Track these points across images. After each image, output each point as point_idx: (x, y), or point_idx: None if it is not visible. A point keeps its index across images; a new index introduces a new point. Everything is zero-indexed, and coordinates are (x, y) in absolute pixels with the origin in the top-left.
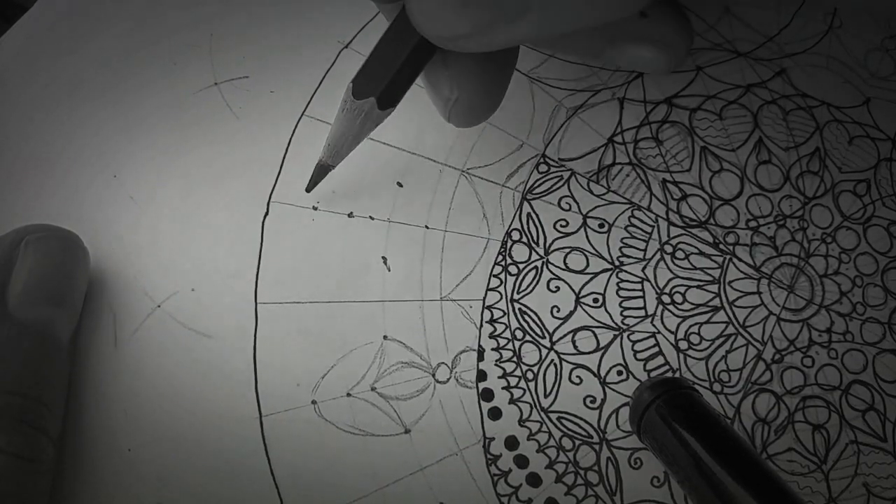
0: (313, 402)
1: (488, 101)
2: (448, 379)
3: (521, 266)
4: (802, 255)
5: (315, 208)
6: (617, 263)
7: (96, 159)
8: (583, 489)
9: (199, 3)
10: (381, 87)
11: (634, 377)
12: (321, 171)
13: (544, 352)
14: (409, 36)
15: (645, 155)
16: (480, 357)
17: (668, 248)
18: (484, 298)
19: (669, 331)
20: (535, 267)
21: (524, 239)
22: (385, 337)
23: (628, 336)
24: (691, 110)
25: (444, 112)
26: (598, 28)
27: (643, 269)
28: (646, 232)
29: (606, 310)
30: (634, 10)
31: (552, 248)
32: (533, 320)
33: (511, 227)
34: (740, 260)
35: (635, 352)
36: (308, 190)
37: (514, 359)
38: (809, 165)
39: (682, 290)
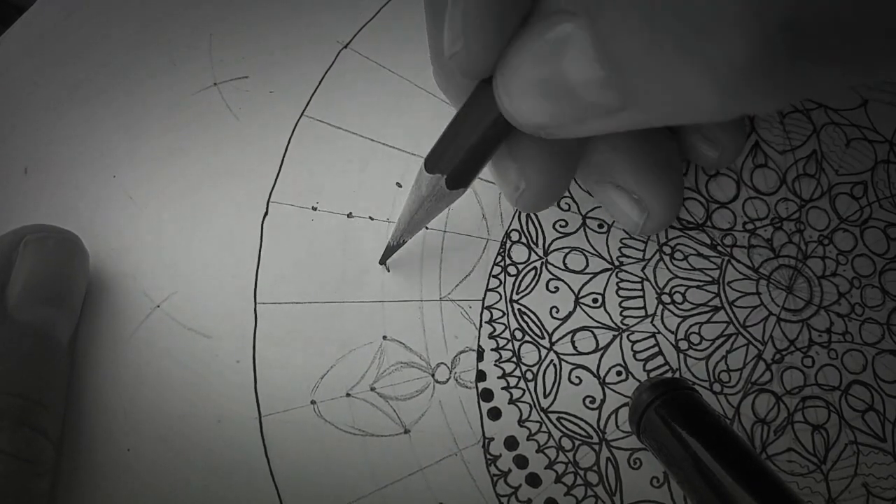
0: (313, 403)
1: (555, 190)
2: (447, 379)
3: (520, 266)
4: (800, 256)
5: (314, 208)
6: (616, 263)
7: (96, 159)
8: (582, 489)
9: (199, 3)
10: (451, 165)
11: (634, 377)
12: (392, 249)
13: (544, 352)
14: (484, 116)
15: None
16: (480, 357)
17: (667, 249)
18: (483, 299)
19: (669, 331)
20: (535, 267)
21: (523, 239)
22: (384, 337)
23: (628, 336)
24: None
25: (511, 200)
26: None
27: (643, 269)
28: None
29: (606, 310)
30: (725, 118)
31: (551, 249)
32: (532, 320)
33: (510, 228)
34: (738, 261)
35: (635, 352)
36: (382, 262)
37: (514, 359)
38: (806, 168)
39: (681, 289)
